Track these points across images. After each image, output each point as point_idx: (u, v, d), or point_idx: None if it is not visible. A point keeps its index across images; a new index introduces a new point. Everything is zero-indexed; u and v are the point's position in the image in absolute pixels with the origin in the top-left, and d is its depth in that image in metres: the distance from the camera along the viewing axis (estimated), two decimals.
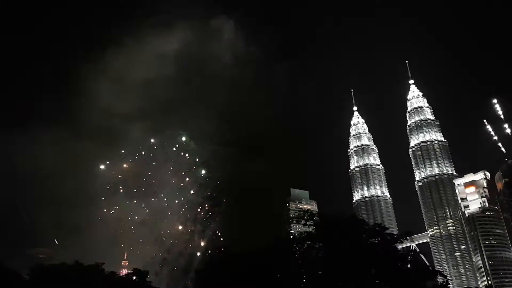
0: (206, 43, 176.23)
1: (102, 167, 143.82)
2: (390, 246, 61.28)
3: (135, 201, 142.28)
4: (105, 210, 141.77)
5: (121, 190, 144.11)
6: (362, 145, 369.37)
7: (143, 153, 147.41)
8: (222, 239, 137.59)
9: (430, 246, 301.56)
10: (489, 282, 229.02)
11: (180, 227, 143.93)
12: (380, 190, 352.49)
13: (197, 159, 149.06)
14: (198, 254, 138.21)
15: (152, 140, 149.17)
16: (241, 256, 59.88)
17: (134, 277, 73.89)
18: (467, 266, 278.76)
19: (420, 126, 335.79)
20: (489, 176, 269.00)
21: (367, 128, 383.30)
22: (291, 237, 77.91)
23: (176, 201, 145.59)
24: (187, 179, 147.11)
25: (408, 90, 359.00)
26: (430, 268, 67.93)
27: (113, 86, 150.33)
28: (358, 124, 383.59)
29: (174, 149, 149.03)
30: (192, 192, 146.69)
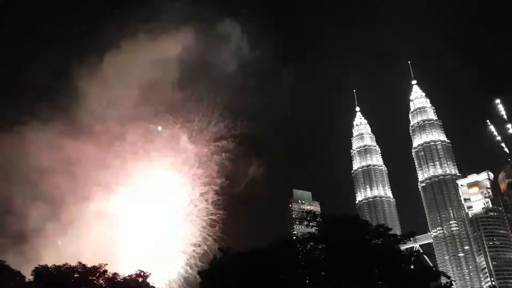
0: (212, 47, 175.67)
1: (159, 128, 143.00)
2: (393, 247, 61.14)
3: (137, 200, 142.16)
4: (106, 209, 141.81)
5: (121, 189, 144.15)
6: (364, 145, 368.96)
7: (143, 153, 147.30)
8: (224, 239, 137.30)
9: (434, 247, 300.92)
10: (493, 283, 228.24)
11: (181, 227, 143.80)
12: (383, 191, 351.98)
13: (198, 159, 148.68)
14: (201, 254, 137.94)
15: (151, 141, 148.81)
16: (244, 257, 59.87)
17: (138, 278, 73.84)
18: (470, 267, 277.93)
19: (423, 127, 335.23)
20: (493, 176, 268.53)
21: (370, 128, 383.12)
22: (294, 238, 77.86)
23: (177, 201, 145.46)
24: (188, 178, 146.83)
25: (411, 91, 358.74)
26: (434, 269, 67.74)
27: (113, 86, 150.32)
28: (360, 124, 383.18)
29: (174, 148, 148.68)
30: (192, 192, 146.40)
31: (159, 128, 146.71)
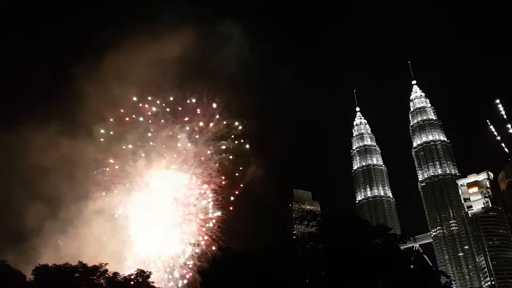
0: (212, 47, 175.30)
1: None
2: (393, 247, 61.33)
3: (136, 199, 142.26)
4: (105, 209, 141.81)
5: (120, 186, 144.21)
6: (364, 145, 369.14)
7: (142, 152, 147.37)
8: (223, 239, 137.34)
9: (433, 246, 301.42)
10: (493, 282, 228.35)
11: (180, 227, 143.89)
12: (383, 191, 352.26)
13: (198, 159, 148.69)
14: (200, 254, 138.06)
15: (151, 140, 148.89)
16: (244, 257, 60.05)
17: (138, 278, 73.91)
18: (470, 267, 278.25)
19: (422, 127, 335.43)
20: (492, 176, 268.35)
21: (370, 128, 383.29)
22: (294, 237, 77.96)
23: (176, 200, 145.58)
24: (187, 178, 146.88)
25: (411, 91, 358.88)
26: (433, 268, 67.98)
27: (112, 86, 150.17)
28: (360, 124, 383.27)
29: (173, 148, 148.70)
30: (192, 191, 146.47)
31: (154, 109, 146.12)
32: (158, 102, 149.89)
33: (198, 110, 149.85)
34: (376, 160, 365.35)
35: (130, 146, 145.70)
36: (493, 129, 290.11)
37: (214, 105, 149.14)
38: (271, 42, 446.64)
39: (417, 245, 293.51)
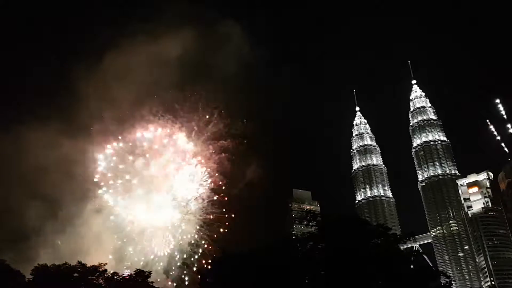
0: (212, 47, 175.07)
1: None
2: (393, 247, 61.21)
3: (135, 198, 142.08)
4: (101, 207, 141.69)
5: (119, 185, 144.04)
6: (364, 145, 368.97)
7: (141, 152, 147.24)
8: (223, 239, 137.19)
9: (433, 246, 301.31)
10: (493, 282, 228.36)
11: (179, 226, 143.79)
12: (383, 191, 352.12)
13: (197, 159, 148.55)
14: (199, 254, 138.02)
15: (150, 140, 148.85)
16: (244, 257, 59.92)
17: (137, 278, 73.81)
18: (470, 267, 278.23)
19: (422, 126, 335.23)
20: (492, 176, 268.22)
21: (370, 128, 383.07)
22: (294, 237, 77.87)
23: (175, 200, 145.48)
24: (186, 178, 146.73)
25: (411, 90, 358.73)
26: (433, 268, 67.81)
27: (112, 86, 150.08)
28: (360, 124, 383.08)
29: (172, 148, 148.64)
30: (191, 191, 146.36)
31: (153, 108, 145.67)
32: (157, 101, 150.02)
33: (198, 109, 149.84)
34: (376, 160, 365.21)
35: (128, 145, 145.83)
36: (493, 129, 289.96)
37: (214, 105, 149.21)
38: (272, 41, 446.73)
39: (417, 245, 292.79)
